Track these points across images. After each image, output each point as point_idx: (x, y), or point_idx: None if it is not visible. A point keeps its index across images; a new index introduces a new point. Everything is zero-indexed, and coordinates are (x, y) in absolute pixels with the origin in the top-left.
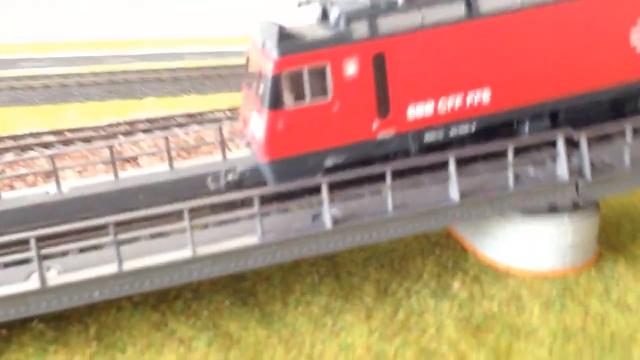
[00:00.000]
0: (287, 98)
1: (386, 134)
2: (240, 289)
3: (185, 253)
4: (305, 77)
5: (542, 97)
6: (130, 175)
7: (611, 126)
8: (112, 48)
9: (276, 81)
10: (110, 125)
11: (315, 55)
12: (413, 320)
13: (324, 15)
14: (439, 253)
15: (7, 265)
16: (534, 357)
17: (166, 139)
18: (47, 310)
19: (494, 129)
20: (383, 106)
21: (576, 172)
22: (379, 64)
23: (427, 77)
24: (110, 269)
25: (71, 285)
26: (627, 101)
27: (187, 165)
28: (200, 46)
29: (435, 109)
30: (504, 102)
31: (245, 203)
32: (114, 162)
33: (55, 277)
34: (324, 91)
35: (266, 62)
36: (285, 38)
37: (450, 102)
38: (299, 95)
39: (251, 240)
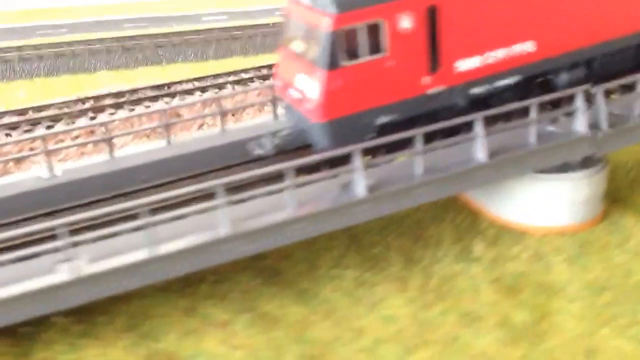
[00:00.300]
0: (343, 56)
1: (435, 89)
2: (264, 267)
3: (220, 232)
4: (362, 33)
5: (579, 45)
6: (126, 154)
7: (624, 80)
8: (48, 17)
9: (333, 39)
10: (76, 101)
11: (371, 11)
12: (447, 287)
13: None
14: (452, 217)
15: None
16: (570, 312)
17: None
18: (78, 304)
19: (534, 80)
20: (434, 61)
21: (594, 126)
22: (431, 18)
23: (475, 31)
24: (142, 254)
25: (103, 274)
26: None
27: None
28: (142, 13)
29: (482, 62)
30: (545, 52)
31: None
32: (110, 140)
33: (85, 267)
34: (379, 48)
35: (320, 20)
36: None
37: (496, 55)
38: (354, 53)
39: (283, 214)
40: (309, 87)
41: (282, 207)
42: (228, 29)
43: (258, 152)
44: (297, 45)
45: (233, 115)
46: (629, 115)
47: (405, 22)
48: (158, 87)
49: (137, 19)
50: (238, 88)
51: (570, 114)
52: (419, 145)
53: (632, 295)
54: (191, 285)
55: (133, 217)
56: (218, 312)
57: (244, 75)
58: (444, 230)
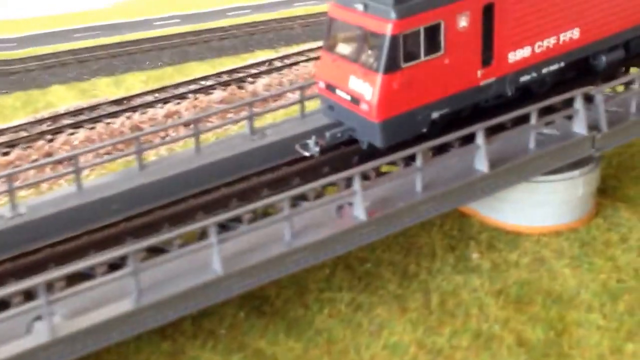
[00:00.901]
0: (402, 59)
1: (488, 80)
2: (248, 295)
3: (212, 272)
4: (422, 35)
5: (616, 30)
6: (96, 183)
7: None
8: None
9: (393, 44)
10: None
11: (430, 15)
12: (451, 303)
13: None
14: (440, 222)
15: None
16: (591, 325)
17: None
18: None
19: (577, 63)
20: (488, 55)
21: (592, 126)
22: (487, 15)
23: (526, 24)
24: (127, 304)
25: (84, 331)
26: None
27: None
28: (91, 22)
29: (532, 52)
30: (587, 38)
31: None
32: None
33: (65, 324)
34: (436, 47)
35: (378, 25)
36: (402, 0)
37: (545, 44)
38: (413, 54)
39: (280, 247)
40: (364, 89)
41: (277, 239)
42: (182, 35)
43: (304, 153)
44: (346, 49)
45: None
46: (626, 112)
47: (463, 22)
48: (117, 101)
49: (88, 28)
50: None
51: (569, 117)
52: (418, 161)
53: None
54: (172, 323)
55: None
56: (207, 354)
57: (204, 83)
58: (434, 239)
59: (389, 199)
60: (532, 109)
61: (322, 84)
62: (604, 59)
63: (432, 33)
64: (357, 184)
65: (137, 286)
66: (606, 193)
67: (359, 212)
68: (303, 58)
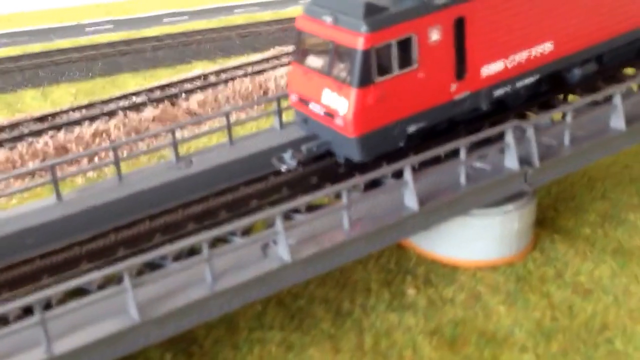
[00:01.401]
0: (375, 73)
1: (462, 94)
2: (176, 337)
3: (128, 319)
4: (394, 49)
5: (589, 43)
6: (7, 215)
7: (554, 111)
8: None
9: (366, 58)
10: None
11: (402, 27)
12: (384, 344)
13: None
14: (377, 255)
15: None
16: None
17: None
18: None
19: (551, 76)
20: (460, 69)
21: (524, 160)
22: (458, 28)
23: (498, 37)
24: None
25: None
26: None
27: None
28: (19, 27)
29: (505, 66)
30: (560, 51)
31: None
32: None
33: None
34: (409, 61)
35: (349, 39)
36: (373, 12)
37: (517, 58)
38: (386, 68)
39: (202, 291)
40: (338, 103)
41: (199, 282)
42: (114, 44)
43: (282, 167)
44: (317, 62)
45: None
46: (560, 145)
47: (435, 35)
48: (41, 118)
49: (13, 33)
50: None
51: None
52: (345, 198)
53: (582, 338)
54: None
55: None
56: None
57: (135, 99)
58: (370, 272)
59: (316, 238)
60: (461, 144)
61: (294, 97)
62: (577, 72)
63: (405, 47)
64: (279, 224)
65: (46, 336)
66: (544, 224)
67: (283, 253)
68: (240, 72)
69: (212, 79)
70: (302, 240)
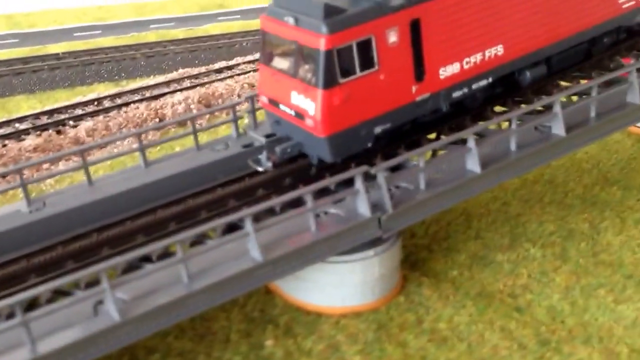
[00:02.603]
0: (338, 74)
1: (423, 95)
2: None
3: None
4: (354, 50)
5: (538, 46)
6: None
7: (406, 155)
8: None
9: (328, 58)
10: None
11: (361, 29)
12: None
13: None
14: (243, 302)
15: None
16: None
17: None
18: None
19: (505, 79)
20: (419, 70)
21: (377, 206)
22: (415, 30)
23: (452, 39)
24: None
25: None
26: (597, 40)
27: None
28: None
29: (461, 68)
30: (512, 53)
31: None
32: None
33: None
34: (370, 62)
35: (311, 40)
36: (332, 14)
37: (472, 60)
38: (348, 70)
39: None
40: (307, 105)
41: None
42: (11, 62)
43: (257, 168)
44: (283, 63)
45: None
46: (415, 189)
47: (392, 37)
48: None
49: None
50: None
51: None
52: (179, 253)
53: None
54: None
55: None
56: None
57: (19, 126)
58: (233, 322)
59: (153, 293)
60: (306, 191)
61: (264, 99)
62: (528, 74)
63: (364, 48)
64: (105, 282)
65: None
66: (416, 266)
67: (111, 310)
68: (137, 97)
69: (107, 103)
70: (136, 297)
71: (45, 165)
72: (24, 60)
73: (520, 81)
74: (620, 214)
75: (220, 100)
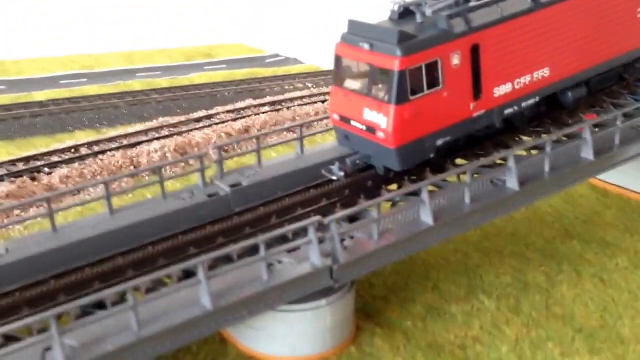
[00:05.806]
0: (409, 92)
1: (479, 112)
2: None
3: None
4: (423, 71)
5: (579, 69)
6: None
7: (363, 205)
8: None
9: (402, 78)
10: None
11: (430, 52)
12: None
13: (405, 13)
14: (197, 350)
15: None
16: None
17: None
18: None
19: (549, 98)
20: (477, 89)
21: (330, 256)
22: (474, 54)
23: (506, 62)
24: None
25: None
26: (629, 65)
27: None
28: None
29: (512, 88)
30: (557, 75)
31: None
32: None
33: None
34: (436, 82)
35: (384, 61)
36: (405, 39)
37: (522, 81)
38: (417, 88)
39: None
40: (379, 119)
41: None
42: None
43: (331, 177)
44: (356, 84)
45: None
46: (369, 239)
47: (455, 60)
48: None
49: None
50: None
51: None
52: (131, 300)
53: None
54: None
55: None
56: None
57: None
58: None
59: (103, 340)
60: (261, 240)
61: (336, 116)
62: (570, 95)
63: (432, 69)
64: (53, 328)
65: None
66: (371, 316)
67: (59, 358)
68: (114, 145)
69: (84, 151)
70: (86, 344)
71: (16, 212)
72: (7, 107)
73: (563, 101)
74: (577, 268)
75: (196, 149)
